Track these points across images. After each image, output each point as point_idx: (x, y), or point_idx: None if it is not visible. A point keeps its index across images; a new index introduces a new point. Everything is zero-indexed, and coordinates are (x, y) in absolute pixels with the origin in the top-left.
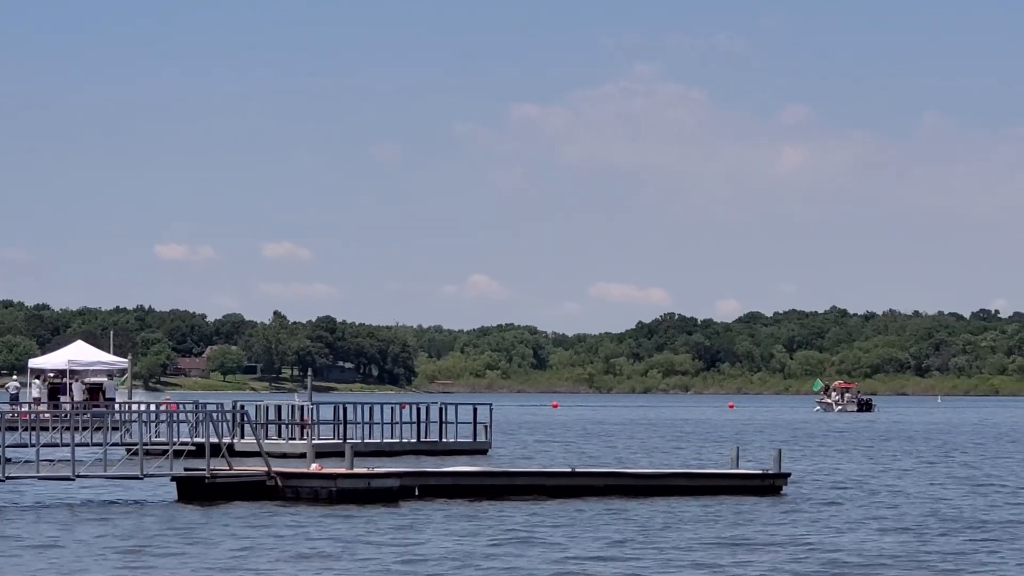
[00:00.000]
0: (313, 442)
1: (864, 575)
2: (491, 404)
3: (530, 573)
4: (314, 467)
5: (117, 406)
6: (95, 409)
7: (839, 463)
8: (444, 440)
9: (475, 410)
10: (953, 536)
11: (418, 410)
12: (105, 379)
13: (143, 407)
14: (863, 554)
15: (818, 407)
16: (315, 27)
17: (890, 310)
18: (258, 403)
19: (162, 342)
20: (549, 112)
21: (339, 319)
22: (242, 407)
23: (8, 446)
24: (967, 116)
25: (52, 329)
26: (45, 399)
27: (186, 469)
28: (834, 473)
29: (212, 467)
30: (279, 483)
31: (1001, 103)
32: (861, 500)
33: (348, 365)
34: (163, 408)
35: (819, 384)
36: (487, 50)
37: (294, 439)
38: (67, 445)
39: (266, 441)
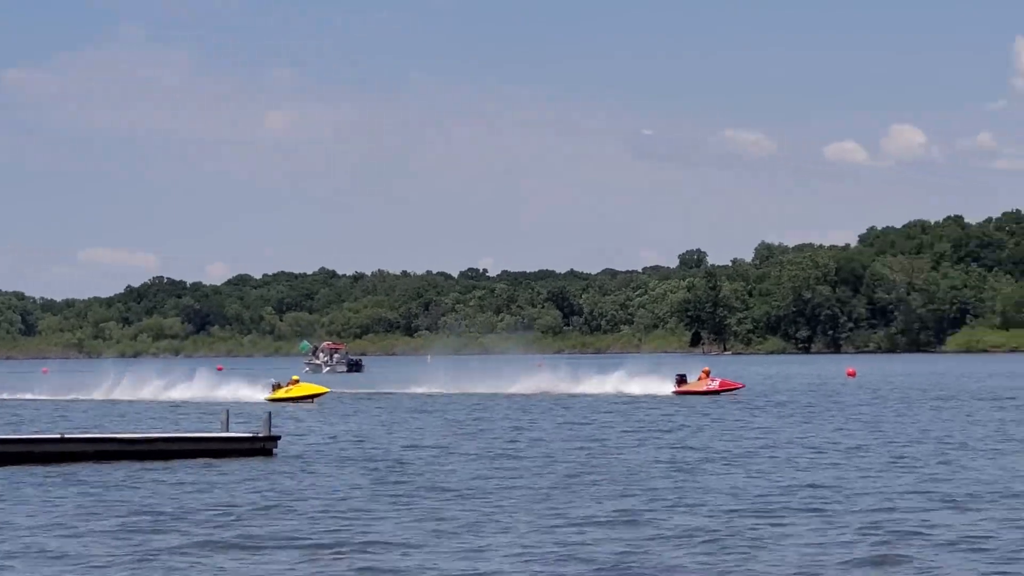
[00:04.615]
0: None
1: (347, 527)
2: None
3: (23, 545)
4: None
5: None
6: None
7: (331, 424)
8: None
9: None
10: (437, 488)
11: None
12: None
13: None
14: (346, 509)
15: (307, 368)
16: None
17: (379, 270)
18: None
19: None
20: (34, 76)
21: None
22: None
23: None
24: (452, 75)
25: None
26: None
27: None
28: (324, 434)
29: None
30: None
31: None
32: (351, 458)
33: None
34: None
35: (307, 346)
36: None
37: None
38: None
39: None
